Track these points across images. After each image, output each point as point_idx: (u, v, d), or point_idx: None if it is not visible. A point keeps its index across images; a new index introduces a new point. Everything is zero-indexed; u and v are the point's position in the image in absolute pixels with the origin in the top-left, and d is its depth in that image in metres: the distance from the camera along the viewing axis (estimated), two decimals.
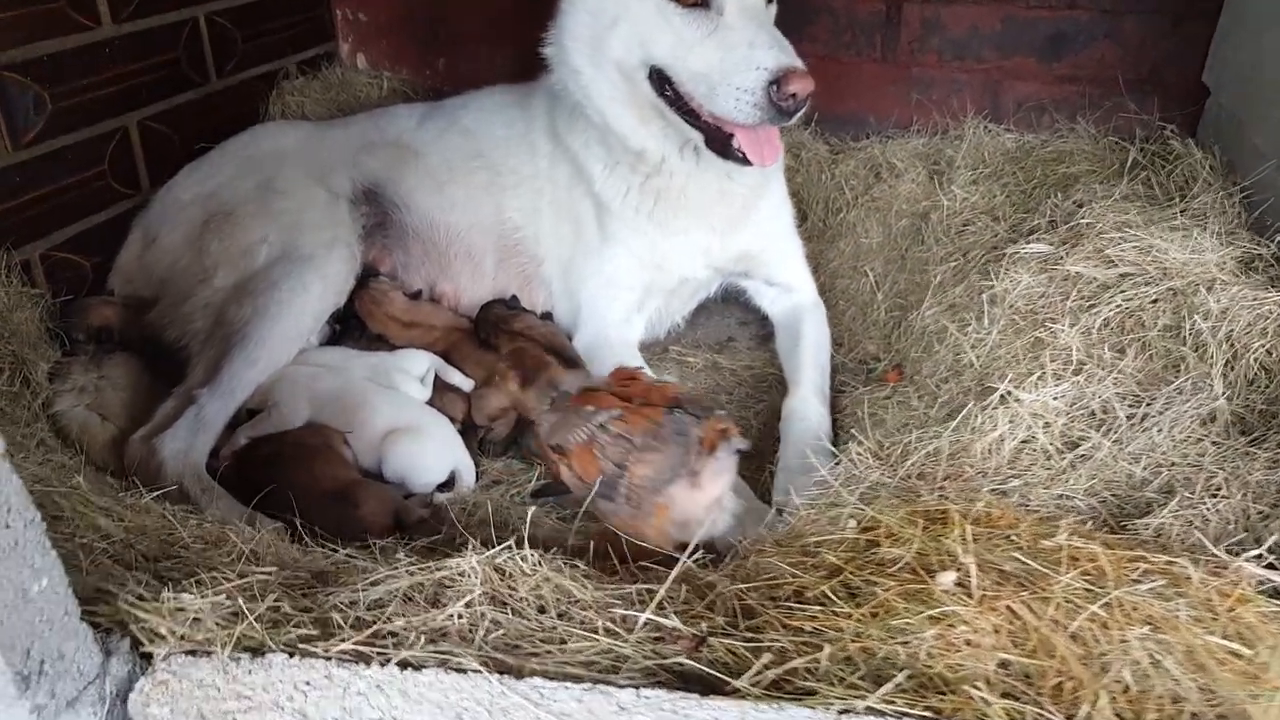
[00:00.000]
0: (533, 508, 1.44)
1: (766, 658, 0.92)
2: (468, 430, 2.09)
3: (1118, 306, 1.85)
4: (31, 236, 2.22)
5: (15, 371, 1.92)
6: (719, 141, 2.05)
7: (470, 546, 1.17)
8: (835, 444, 1.96)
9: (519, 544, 1.22)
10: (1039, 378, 1.70)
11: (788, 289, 2.50)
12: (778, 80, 1.88)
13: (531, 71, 2.64)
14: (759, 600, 1.10)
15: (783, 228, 2.49)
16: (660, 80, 2.07)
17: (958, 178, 2.69)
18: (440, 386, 2.14)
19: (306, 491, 1.73)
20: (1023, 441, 1.58)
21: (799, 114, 1.95)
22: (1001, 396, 1.67)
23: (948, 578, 1.05)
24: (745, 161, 2.02)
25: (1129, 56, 2.96)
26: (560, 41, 2.17)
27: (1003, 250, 2.23)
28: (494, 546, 1.21)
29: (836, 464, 1.71)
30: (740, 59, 1.91)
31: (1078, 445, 1.57)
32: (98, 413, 1.94)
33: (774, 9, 2.09)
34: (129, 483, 1.74)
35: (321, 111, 3.20)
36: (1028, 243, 2.15)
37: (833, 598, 1.05)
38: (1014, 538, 1.14)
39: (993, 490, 1.46)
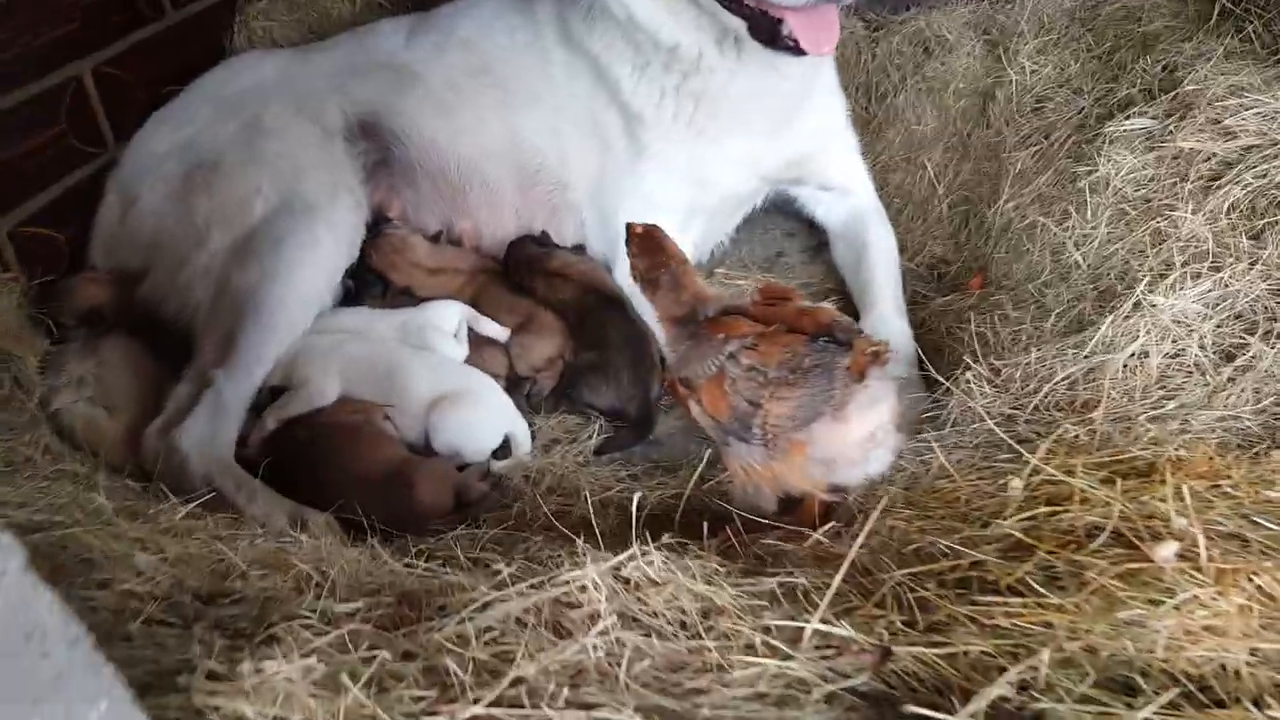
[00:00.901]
0: (638, 493, 1.29)
1: (996, 688, 0.79)
2: (513, 385, 1.95)
3: (1247, 185, 1.69)
4: None
5: (2, 370, 1.76)
6: (765, 29, 1.86)
7: (584, 552, 1.03)
8: (933, 368, 1.81)
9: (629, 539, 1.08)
10: (1174, 278, 1.54)
11: (845, 193, 2.33)
12: None
13: None
14: (934, 590, 0.97)
15: (837, 124, 2.31)
16: None
17: (1022, 47, 2.49)
18: (475, 340, 1.98)
19: (354, 478, 1.60)
20: (1170, 355, 1.44)
21: None
22: (1135, 303, 1.51)
23: (1168, 550, 0.92)
24: (798, 50, 1.84)
25: None
26: None
27: (1094, 129, 2.06)
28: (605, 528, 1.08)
29: (946, 395, 1.58)
30: None
31: (1233, 355, 1.42)
32: (103, 405, 1.81)
33: None
34: (153, 486, 1.60)
35: (292, 36, 2.96)
36: (1125, 118, 1.97)
37: (1036, 586, 0.92)
38: (1230, 490, 1.01)
39: (1150, 418, 1.32)
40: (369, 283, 2.08)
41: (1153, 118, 1.95)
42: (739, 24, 1.88)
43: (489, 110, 2.27)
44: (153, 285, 2.01)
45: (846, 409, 1.24)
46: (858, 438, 1.27)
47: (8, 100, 2.07)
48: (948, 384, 1.57)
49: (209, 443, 1.70)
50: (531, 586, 0.98)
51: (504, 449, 1.77)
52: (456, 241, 2.24)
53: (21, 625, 0.63)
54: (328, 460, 1.64)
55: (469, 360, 1.94)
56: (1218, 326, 1.47)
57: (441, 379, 1.81)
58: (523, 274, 2.09)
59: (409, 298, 2.06)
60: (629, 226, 1.52)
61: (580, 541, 1.13)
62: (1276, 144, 1.74)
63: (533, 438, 1.85)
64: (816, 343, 1.27)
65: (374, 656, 0.86)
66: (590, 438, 1.88)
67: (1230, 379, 1.38)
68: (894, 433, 1.30)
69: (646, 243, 1.50)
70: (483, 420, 1.76)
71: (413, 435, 1.77)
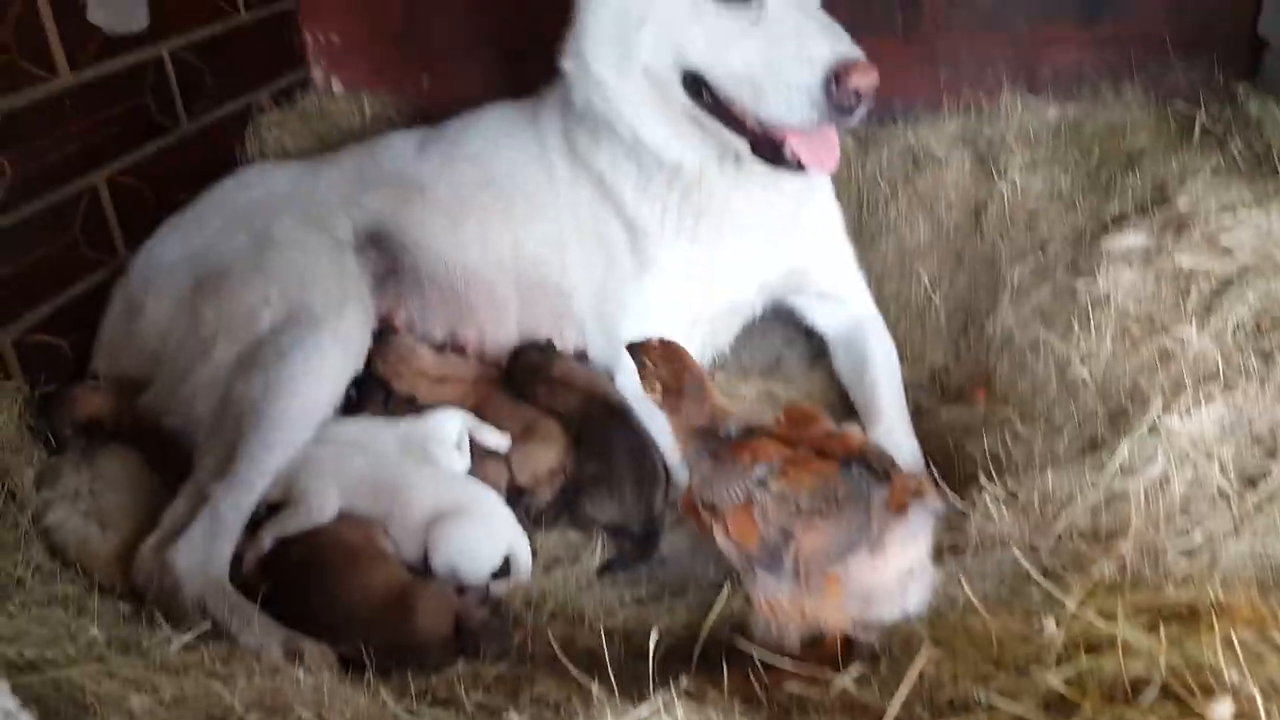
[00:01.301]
0: (654, 634, 1.18)
1: None
2: (513, 497, 1.85)
3: (1250, 304, 1.63)
4: (1, 322, 1.95)
5: None
6: (768, 148, 1.82)
7: (600, 702, 0.93)
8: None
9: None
10: (1188, 399, 1.47)
11: (843, 303, 2.27)
12: (836, 74, 1.65)
13: (521, 81, 2.41)
14: None
15: (833, 234, 2.26)
16: (695, 84, 1.85)
17: (1010, 161, 2.45)
18: (476, 451, 1.88)
19: (351, 602, 1.48)
20: (1191, 481, 1.35)
21: (861, 111, 1.73)
22: (1151, 426, 1.44)
23: (1225, 710, 0.82)
24: (801, 169, 1.81)
25: (1175, 12, 2.73)
26: (580, 51, 1.93)
27: (1090, 243, 2.01)
28: (616, 684, 0.97)
29: (962, 518, 1.48)
30: (790, 53, 1.69)
31: (1256, 481, 1.34)
32: (97, 521, 1.69)
33: None
34: (147, 610, 1.48)
35: (302, 145, 2.93)
36: (1121, 234, 1.92)
37: None
38: (1276, 642, 0.91)
39: (1179, 550, 1.23)
40: (371, 390, 1.99)
41: (1148, 233, 1.90)
42: (741, 144, 1.84)
43: (495, 221, 2.22)
44: (155, 396, 1.91)
45: (884, 542, 1.15)
46: (895, 572, 1.17)
47: (25, 211, 2.01)
48: (964, 508, 1.48)
49: (204, 563, 1.58)
50: None
51: (504, 569, 1.66)
52: (460, 349, 2.16)
53: None
54: (325, 582, 1.53)
55: (470, 471, 1.84)
56: (1237, 451, 1.39)
57: (443, 493, 1.70)
58: (525, 381, 2.01)
59: (412, 406, 1.97)
60: (642, 342, 1.45)
61: (595, 687, 1.02)
62: (1273, 261, 1.69)
63: (533, 555, 1.73)
64: (849, 470, 1.19)
65: None
66: (592, 555, 1.77)
67: (1257, 507, 1.30)
68: (931, 567, 1.21)
69: (668, 351, 1.43)
70: (484, 538, 1.65)
71: (411, 552, 1.66)
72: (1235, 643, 0.90)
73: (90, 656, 1.15)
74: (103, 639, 1.22)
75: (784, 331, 2.47)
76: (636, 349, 1.45)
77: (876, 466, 1.19)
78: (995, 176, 2.43)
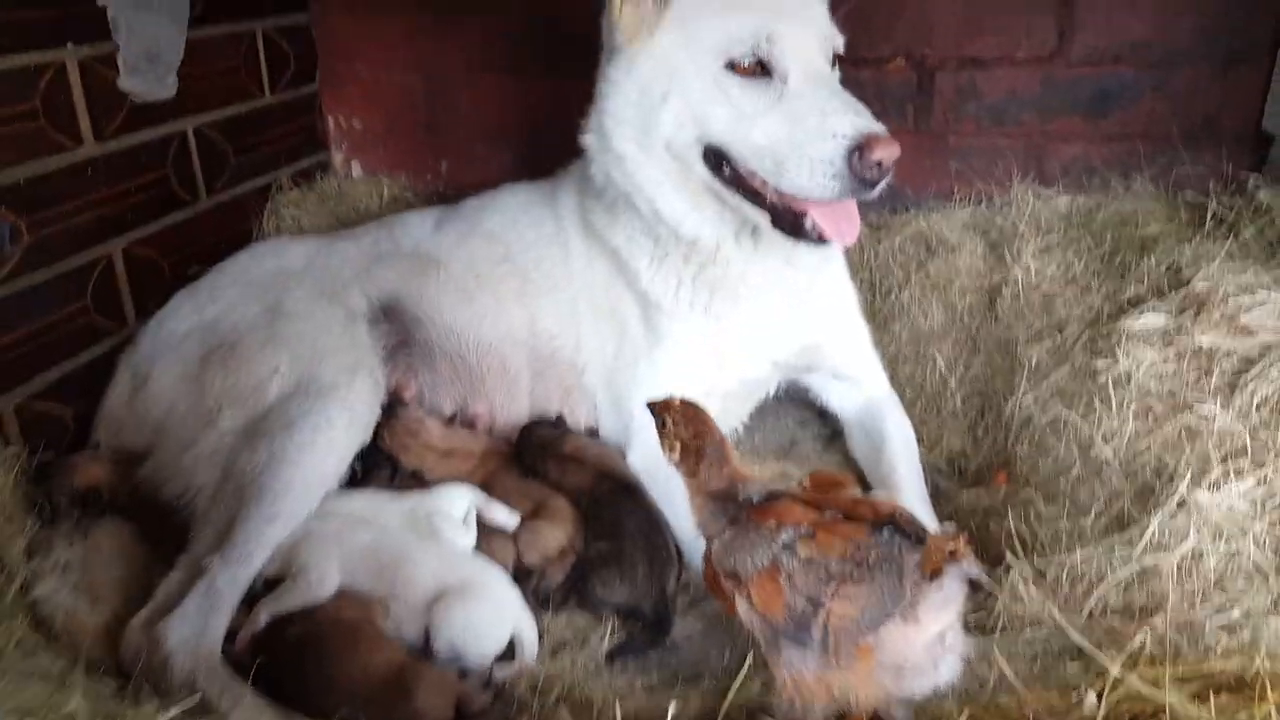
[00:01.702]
0: (672, 708, 1.11)
1: None
2: (520, 577, 1.78)
3: (1273, 381, 1.59)
4: (4, 386, 1.93)
5: None
6: (788, 221, 1.81)
7: None
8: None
9: None
10: (1216, 474, 1.42)
11: (858, 382, 2.23)
12: (859, 147, 1.66)
13: (538, 167, 2.43)
14: None
15: (848, 313, 2.23)
16: (716, 159, 1.85)
17: (1024, 248, 2.44)
18: (483, 528, 1.82)
19: (348, 683, 1.41)
20: (1225, 556, 1.29)
21: (883, 184, 1.72)
22: (1180, 501, 1.38)
23: None
24: (822, 240, 1.79)
25: (1180, 108, 2.76)
26: (602, 127, 1.93)
27: (1107, 324, 1.98)
28: None
29: (990, 599, 1.42)
30: (813, 128, 1.70)
31: None
32: (87, 594, 1.62)
33: (837, 73, 1.87)
34: (133, 686, 1.40)
35: (319, 224, 2.95)
36: (1139, 314, 1.89)
37: None
38: None
39: (1218, 626, 1.16)
40: (377, 465, 1.94)
41: (1166, 314, 1.87)
42: (762, 217, 1.84)
43: (509, 296, 2.21)
44: (156, 466, 1.86)
45: (917, 610, 1.08)
46: (927, 641, 1.10)
47: (39, 276, 2.00)
48: (991, 587, 1.41)
49: (196, 638, 1.51)
50: None
51: (509, 652, 1.58)
52: (470, 424, 2.12)
53: None
54: (321, 662, 1.45)
55: (476, 549, 1.78)
56: (1271, 525, 1.33)
57: (447, 571, 1.63)
58: (535, 457, 1.95)
59: (418, 481, 1.92)
60: (664, 400, 1.40)
61: None
62: None
63: (540, 640, 1.65)
64: (880, 534, 1.13)
65: None
66: (602, 639, 1.68)
67: None
68: (963, 635, 1.14)
69: (689, 412, 1.38)
70: (489, 620, 1.56)
71: (413, 631, 1.57)
72: None
73: None
74: (84, 713, 1.15)
75: (799, 412, 2.43)
76: (656, 407, 1.39)
77: (909, 530, 1.14)
78: (1009, 261, 2.42)
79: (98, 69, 2.16)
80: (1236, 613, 1.22)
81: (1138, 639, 1.10)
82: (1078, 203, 2.72)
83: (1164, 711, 0.92)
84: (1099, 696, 0.98)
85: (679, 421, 1.36)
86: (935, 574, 1.09)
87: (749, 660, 1.32)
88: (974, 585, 1.30)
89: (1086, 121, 2.84)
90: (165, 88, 2.31)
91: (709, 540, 1.30)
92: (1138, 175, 2.77)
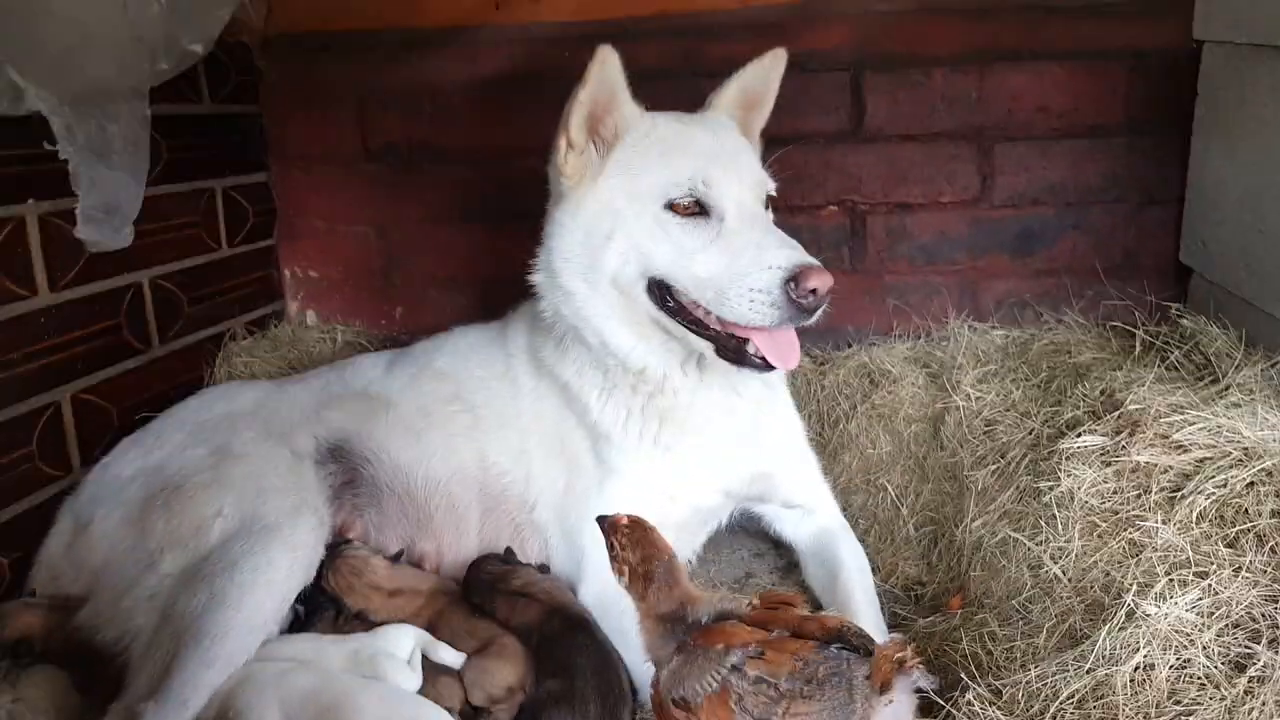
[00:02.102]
0: None
1: None
2: (467, 719, 1.71)
3: (1210, 495, 1.61)
4: None
5: None
6: (731, 349, 1.87)
7: None
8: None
9: None
10: (1162, 586, 1.42)
11: (810, 511, 2.23)
12: (795, 277, 1.73)
13: (492, 313, 2.48)
14: None
15: (795, 441, 2.26)
16: (661, 291, 1.91)
17: (963, 378, 2.50)
18: (429, 668, 1.76)
19: None
20: (1176, 666, 1.28)
21: (819, 312, 1.79)
22: (1128, 612, 1.38)
23: None
24: (766, 366, 1.85)
25: (1101, 245, 2.91)
26: (550, 265, 1.99)
27: (1048, 447, 2.01)
28: None
29: (945, 717, 1.38)
30: (750, 260, 1.78)
31: (1243, 665, 1.27)
32: None
33: (771, 215, 1.96)
34: None
35: (272, 370, 2.94)
36: (1077, 435, 1.93)
37: None
38: None
39: None
40: (321, 607, 1.88)
41: (1103, 435, 1.91)
42: (705, 346, 1.88)
43: (459, 433, 2.20)
44: (93, 611, 1.78)
45: None
46: None
47: None
48: (948, 707, 1.38)
49: None
50: None
51: None
52: (417, 563, 2.08)
53: None
54: None
55: (422, 690, 1.71)
56: (1219, 635, 1.33)
57: (390, 713, 1.56)
58: (483, 594, 1.90)
59: (363, 623, 1.86)
60: (612, 519, 1.39)
61: None
62: (1229, 455, 1.69)
63: None
64: (828, 649, 1.11)
65: None
66: None
67: (1247, 692, 1.22)
68: None
69: (636, 533, 1.36)
70: None
71: None
72: None
73: None
74: None
75: (753, 544, 2.41)
76: (605, 525, 1.38)
77: (857, 643, 1.12)
78: (950, 390, 2.48)
79: (56, 223, 2.19)
80: None
81: None
82: (1012, 335, 2.81)
83: None
84: None
85: (626, 545, 1.36)
86: (885, 687, 1.07)
87: None
88: (929, 708, 1.28)
89: (1014, 259, 2.98)
90: (121, 238, 2.35)
91: (656, 666, 1.27)
92: (1067, 308, 2.88)
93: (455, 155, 3.11)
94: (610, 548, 1.37)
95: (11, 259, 2.08)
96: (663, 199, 1.87)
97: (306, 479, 2.04)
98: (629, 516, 1.40)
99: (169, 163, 2.60)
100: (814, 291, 1.72)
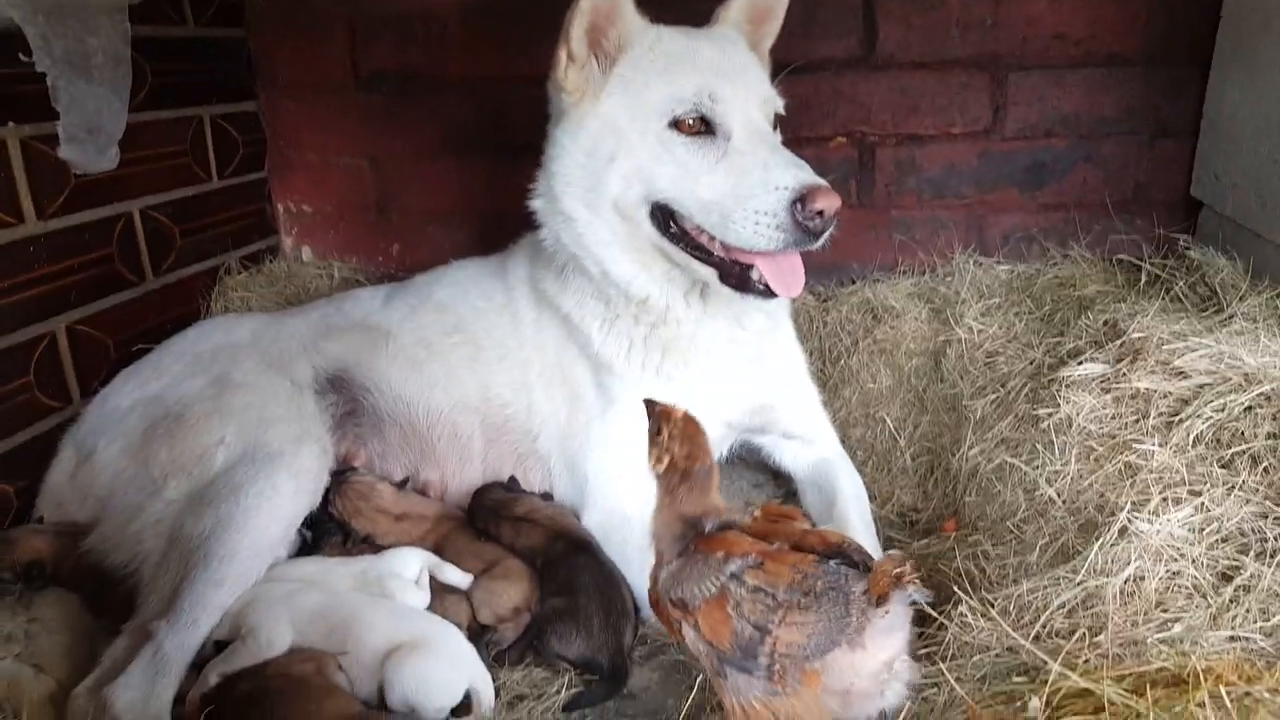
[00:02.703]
0: None
1: None
2: (475, 636, 1.80)
3: (1208, 419, 1.69)
4: None
5: None
6: (735, 275, 1.90)
7: None
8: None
9: None
10: (1155, 505, 1.50)
11: (809, 441, 2.31)
12: (801, 198, 1.76)
13: (489, 248, 2.53)
14: None
15: (797, 374, 2.32)
16: (664, 216, 1.94)
17: (966, 311, 2.58)
18: (437, 588, 1.85)
19: None
20: (1166, 577, 1.37)
21: (826, 235, 1.82)
22: (1121, 529, 1.46)
23: None
24: (768, 293, 1.88)
25: (1111, 178, 2.96)
26: (550, 189, 2.02)
27: (1048, 375, 2.09)
28: None
29: (938, 629, 1.47)
30: (756, 181, 1.80)
31: (1230, 576, 1.36)
32: (31, 663, 1.62)
33: (779, 135, 1.99)
34: None
35: (268, 306, 3.01)
36: (1079, 364, 2.00)
37: None
38: (1268, 695, 0.91)
39: (1159, 639, 1.23)
40: (328, 532, 1.97)
41: (1104, 363, 1.98)
42: (709, 273, 1.92)
43: (460, 366, 2.27)
44: (101, 536, 1.87)
45: (864, 636, 1.13)
46: (874, 668, 1.15)
47: None
48: (940, 618, 1.47)
49: (144, 701, 1.52)
50: None
51: (465, 705, 1.60)
52: (422, 491, 2.16)
53: None
54: (272, 716, 1.46)
55: (430, 609, 1.80)
56: (1209, 549, 1.41)
57: (399, 626, 1.66)
58: (488, 520, 1.99)
59: (370, 546, 1.95)
60: (666, 406, 1.40)
61: None
62: (1229, 381, 1.76)
63: (496, 693, 1.68)
64: (827, 564, 1.18)
65: None
66: (559, 692, 1.71)
67: (1233, 600, 1.31)
68: (910, 663, 1.19)
69: (689, 429, 1.37)
70: (443, 672, 1.59)
71: (366, 688, 1.60)
72: (1225, 695, 0.90)
73: None
74: None
75: (753, 475, 2.50)
76: (654, 408, 1.40)
77: (856, 559, 1.19)
78: (952, 323, 2.55)
79: (39, 147, 2.23)
80: (1177, 628, 1.29)
81: (1076, 639, 1.16)
82: (1017, 270, 2.88)
83: (1104, 708, 0.97)
84: (1044, 702, 1.03)
85: (676, 436, 1.36)
86: (882, 600, 1.14)
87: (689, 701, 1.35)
88: (923, 619, 1.37)
89: (1023, 192, 3.03)
90: (106, 160, 2.38)
91: (657, 559, 1.33)
92: (1074, 242, 2.95)
93: (450, 84, 3.14)
94: (655, 432, 1.38)
95: None
96: (667, 116, 1.88)
97: (308, 409, 2.11)
98: (685, 411, 1.40)
99: (153, 88, 2.63)
100: (820, 213, 1.75)
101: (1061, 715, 0.97)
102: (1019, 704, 1.03)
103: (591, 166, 1.95)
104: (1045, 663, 1.14)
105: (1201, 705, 0.89)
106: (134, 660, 1.58)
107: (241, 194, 3.15)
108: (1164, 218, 2.91)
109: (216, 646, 1.64)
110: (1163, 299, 2.30)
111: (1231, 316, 2.07)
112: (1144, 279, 2.54)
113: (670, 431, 1.36)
